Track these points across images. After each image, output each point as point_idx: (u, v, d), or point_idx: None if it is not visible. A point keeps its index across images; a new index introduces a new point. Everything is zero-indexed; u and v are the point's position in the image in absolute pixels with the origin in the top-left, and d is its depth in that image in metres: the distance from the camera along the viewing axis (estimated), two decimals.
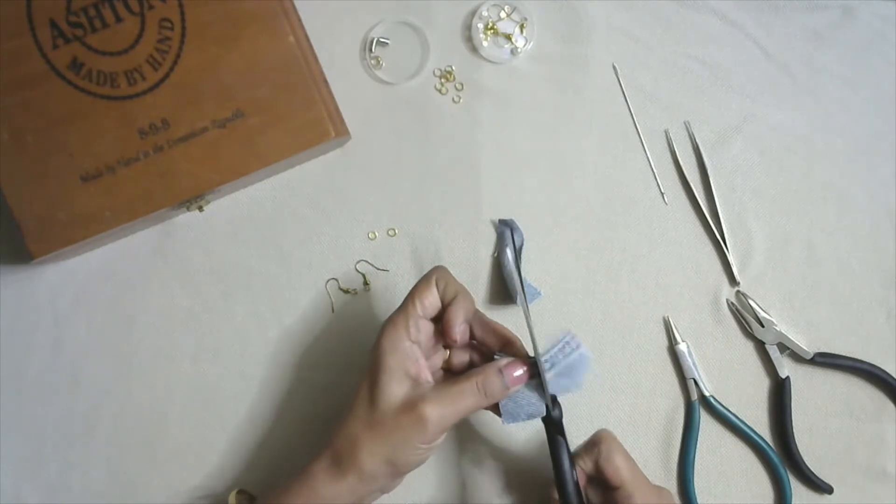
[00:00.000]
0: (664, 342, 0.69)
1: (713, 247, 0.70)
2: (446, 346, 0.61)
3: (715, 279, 0.69)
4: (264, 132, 0.64)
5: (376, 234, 0.70)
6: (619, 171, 0.70)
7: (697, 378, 0.68)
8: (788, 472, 0.67)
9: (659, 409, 0.68)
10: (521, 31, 0.71)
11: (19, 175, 0.63)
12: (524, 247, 0.69)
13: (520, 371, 0.57)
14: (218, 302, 0.70)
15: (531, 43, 0.71)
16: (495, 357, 0.58)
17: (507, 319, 0.67)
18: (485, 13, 0.71)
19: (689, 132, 0.70)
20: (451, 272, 0.60)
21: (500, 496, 0.68)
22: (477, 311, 0.60)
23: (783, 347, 0.68)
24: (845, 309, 0.69)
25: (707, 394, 0.68)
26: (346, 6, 0.70)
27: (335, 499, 0.56)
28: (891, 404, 0.69)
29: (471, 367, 0.60)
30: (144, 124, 0.64)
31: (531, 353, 0.58)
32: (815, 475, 0.67)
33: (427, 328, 0.58)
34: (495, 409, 0.58)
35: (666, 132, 0.70)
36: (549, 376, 0.57)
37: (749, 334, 0.69)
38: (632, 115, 0.70)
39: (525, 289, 0.67)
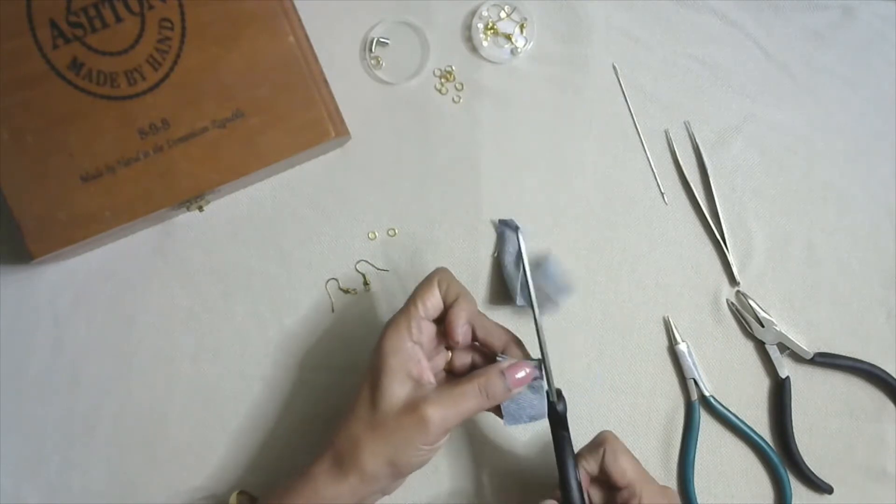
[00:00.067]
0: (664, 342, 0.69)
1: (713, 247, 0.70)
2: (448, 348, 0.61)
3: (715, 279, 0.69)
4: (264, 132, 0.64)
5: (376, 234, 0.70)
6: (619, 171, 0.70)
7: (697, 378, 0.68)
8: (788, 472, 0.67)
9: (659, 409, 0.68)
10: (521, 31, 0.71)
11: (19, 175, 0.63)
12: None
13: (522, 373, 0.57)
14: (218, 302, 0.70)
15: (531, 43, 0.71)
16: (498, 359, 0.58)
17: (508, 320, 0.68)
18: (485, 13, 0.71)
19: (689, 132, 0.70)
20: (452, 272, 0.60)
21: (503, 496, 0.68)
22: (479, 313, 0.60)
23: (783, 347, 0.68)
24: (845, 309, 0.69)
25: (707, 394, 0.68)
26: (346, 6, 0.70)
27: (336, 499, 0.56)
28: (891, 404, 0.69)
29: (472, 368, 0.60)
30: (144, 124, 0.64)
31: (534, 355, 0.58)
32: (815, 475, 0.67)
33: (429, 330, 0.58)
34: (497, 410, 0.58)
35: (666, 132, 0.71)
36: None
37: (749, 334, 0.69)
38: (632, 115, 0.70)
39: (556, 287, 0.67)
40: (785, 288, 0.69)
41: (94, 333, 0.69)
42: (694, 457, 0.67)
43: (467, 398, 0.56)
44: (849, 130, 0.70)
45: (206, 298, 0.70)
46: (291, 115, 0.64)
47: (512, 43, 0.71)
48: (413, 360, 0.57)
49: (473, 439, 0.68)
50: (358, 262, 0.70)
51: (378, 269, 0.70)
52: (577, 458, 0.58)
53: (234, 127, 0.64)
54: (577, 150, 0.70)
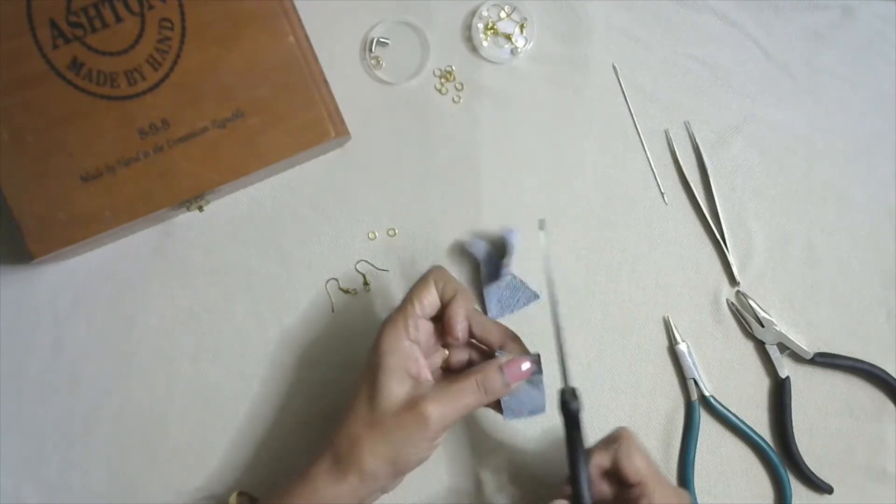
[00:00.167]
0: (664, 342, 0.69)
1: (713, 247, 0.70)
2: (445, 346, 0.61)
3: (715, 279, 0.69)
4: (264, 132, 0.64)
5: (376, 234, 0.70)
6: (619, 171, 0.70)
7: (697, 378, 0.68)
8: (788, 472, 0.67)
9: (659, 409, 0.68)
10: (521, 31, 0.71)
11: (19, 175, 0.63)
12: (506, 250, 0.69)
13: (520, 368, 0.57)
14: (218, 302, 0.70)
15: (531, 43, 0.71)
16: (497, 354, 0.58)
17: (513, 320, 0.68)
18: (485, 13, 0.71)
19: (689, 132, 0.70)
20: (447, 270, 0.60)
21: (506, 494, 0.67)
22: (476, 310, 0.60)
23: (783, 347, 0.68)
24: (845, 309, 0.69)
25: (707, 394, 0.68)
26: (346, 6, 0.70)
27: (337, 499, 0.56)
28: (891, 404, 0.69)
29: (469, 365, 0.60)
30: (144, 124, 0.64)
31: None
32: (815, 475, 0.67)
33: (426, 328, 0.59)
34: (497, 405, 0.58)
35: (666, 132, 0.70)
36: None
37: (749, 334, 0.69)
38: (632, 115, 0.70)
39: (524, 292, 0.68)
40: (785, 288, 0.69)
41: (94, 333, 0.69)
42: (694, 457, 0.67)
43: (466, 394, 0.56)
44: (849, 130, 0.70)
45: (206, 298, 0.70)
46: (291, 115, 0.64)
47: (512, 43, 0.71)
48: (411, 358, 0.57)
49: (482, 433, 0.68)
50: (358, 262, 0.70)
51: (378, 269, 0.70)
52: (590, 452, 0.57)
53: (234, 127, 0.64)
54: (577, 150, 0.70)
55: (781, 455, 0.67)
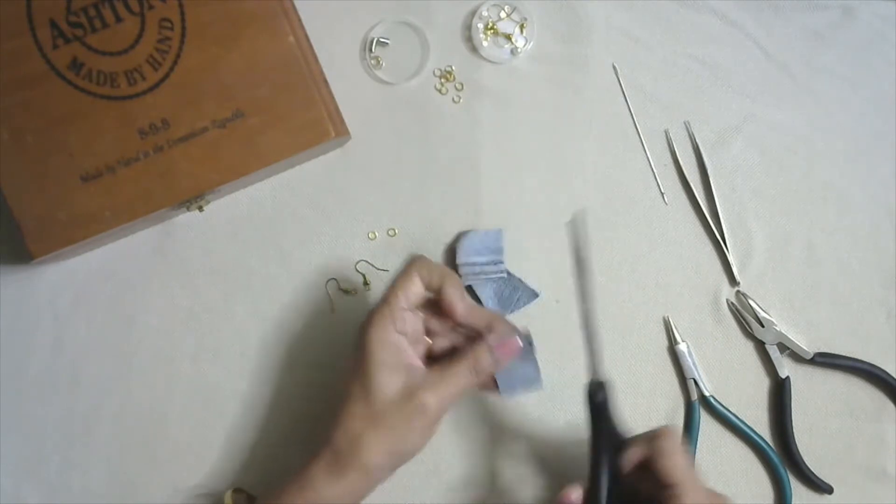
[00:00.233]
0: (664, 342, 0.69)
1: (713, 247, 0.70)
2: (429, 334, 0.61)
3: (715, 279, 0.69)
4: (264, 132, 0.64)
5: (376, 234, 0.70)
6: (619, 171, 0.70)
7: (697, 378, 0.68)
8: (788, 472, 0.67)
9: (659, 409, 0.68)
10: (521, 31, 0.71)
11: (19, 175, 0.63)
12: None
13: (510, 346, 0.58)
14: (218, 302, 0.70)
15: (531, 43, 0.71)
16: (486, 335, 0.59)
17: (521, 316, 0.68)
18: (485, 13, 0.71)
19: (689, 132, 0.70)
20: (428, 258, 0.60)
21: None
22: (463, 294, 0.60)
23: (783, 347, 0.68)
24: (845, 309, 0.69)
25: (707, 394, 0.68)
26: (346, 6, 0.70)
27: (338, 499, 0.56)
28: (891, 404, 0.69)
29: (454, 351, 0.60)
30: (144, 124, 0.64)
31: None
32: (815, 475, 0.67)
33: (412, 320, 0.59)
34: (493, 385, 0.59)
35: (666, 132, 0.70)
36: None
37: (749, 334, 0.69)
38: (632, 115, 0.70)
39: (523, 290, 0.68)
40: (785, 288, 0.69)
41: (94, 333, 0.69)
42: (694, 457, 0.67)
43: (460, 378, 0.57)
44: (849, 130, 0.70)
45: (206, 298, 0.70)
46: (291, 115, 0.64)
47: (512, 43, 0.71)
48: (401, 350, 0.57)
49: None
50: (358, 262, 0.70)
51: (378, 269, 0.70)
52: (627, 442, 0.57)
53: (234, 127, 0.64)
54: (577, 150, 0.70)
55: (781, 455, 0.67)
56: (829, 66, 0.71)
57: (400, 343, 0.57)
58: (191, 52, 0.64)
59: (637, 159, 0.70)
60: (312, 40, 0.67)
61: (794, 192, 0.70)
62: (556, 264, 0.69)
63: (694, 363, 0.68)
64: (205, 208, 0.69)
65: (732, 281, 0.69)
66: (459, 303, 0.58)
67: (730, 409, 0.68)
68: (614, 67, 0.71)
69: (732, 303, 0.69)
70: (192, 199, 0.66)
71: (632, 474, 0.57)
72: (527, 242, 0.69)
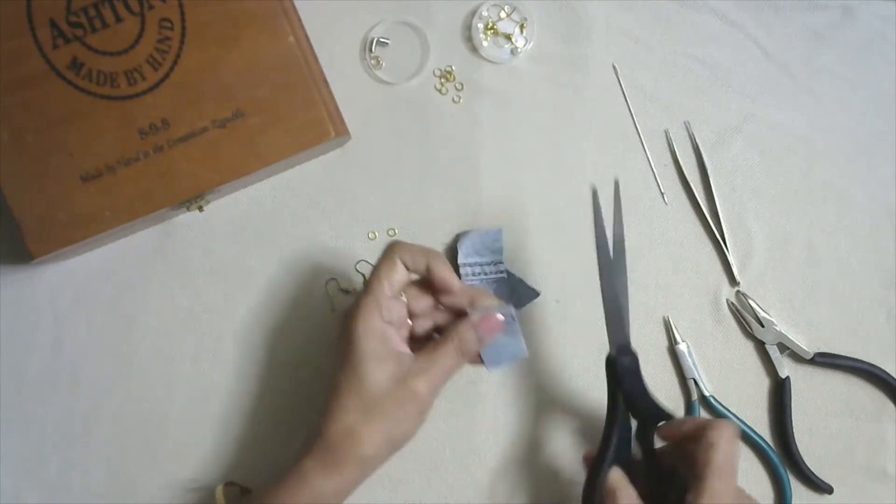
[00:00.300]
0: (664, 342, 0.69)
1: (713, 247, 0.70)
2: (412, 316, 0.61)
3: (715, 279, 0.69)
4: (264, 132, 0.64)
5: (376, 234, 0.70)
6: (619, 171, 0.70)
7: (697, 378, 0.68)
8: (788, 472, 0.67)
9: None
10: (521, 31, 0.71)
11: (19, 175, 0.63)
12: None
13: (492, 323, 0.58)
14: (218, 302, 0.70)
15: (531, 43, 0.71)
16: (469, 312, 0.59)
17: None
18: (485, 13, 0.71)
19: (689, 132, 0.70)
20: (405, 241, 0.60)
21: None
22: (451, 268, 0.60)
23: (783, 347, 0.68)
24: (845, 309, 0.69)
25: (707, 394, 0.68)
26: (346, 6, 0.70)
27: (334, 494, 0.57)
28: (891, 404, 0.69)
29: (436, 331, 0.61)
30: (144, 124, 0.64)
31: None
32: (815, 475, 0.67)
33: (397, 307, 0.59)
34: (479, 359, 0.60)
35: (666, 132, 0.71)
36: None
37: (749, 334, 0.69)
38: (632, 115, 0.70)
39: (524, 290, 0.68)
40: (785, 288, 0.69)
41: (94, 333, 0.69)
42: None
43: (447, 360, 0.57)
44: (849, 130, 0.71)
45: (206, 298, 0.70)
46: (291, 115, 0.64)
47: (512, 43, 0.71)
48: (388, 339, 0.57)
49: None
50: (358, 262, 0.70)
51: None
52: (665, 415, 0.59)
53: (234, 127, 0.64)
54: (577, 150, 0.70)
55: (781, 455, 0.67)
56: (829, 66, 0.71)
57: (387, 332, 0.57)
58: (191, 52, 0.64)
59: (637, 159, 0.70)
60: (312, 40, 0.67)
61: (794, 192, 0.70)
62: (555, 264, 0.69)
63: (694, 363, 0.68)
64: (205, 208, 0.69)
65: (732, 281, 0.69)
66: (453, 278, 0.59)
67: (730, 409, 0.68)
68: (614, 67, 0.71)
69: (732, 303, 0.69)
70: (192, 199, 0.66)
71: (670, 449, 0.59)
72: (527, 242, 0.69)
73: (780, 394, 0.68)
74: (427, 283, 0.60)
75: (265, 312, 0.69)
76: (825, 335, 0.69)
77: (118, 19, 0.64)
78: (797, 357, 0.68)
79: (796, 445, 0.67)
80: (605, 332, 0.68)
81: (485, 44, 0.70)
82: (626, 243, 0.69)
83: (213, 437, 0.69)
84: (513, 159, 0.70)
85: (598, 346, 0.68)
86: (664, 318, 0.69)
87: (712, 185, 0.69)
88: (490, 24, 0.71)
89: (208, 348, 0.69)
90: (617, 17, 0.71)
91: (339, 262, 0.70)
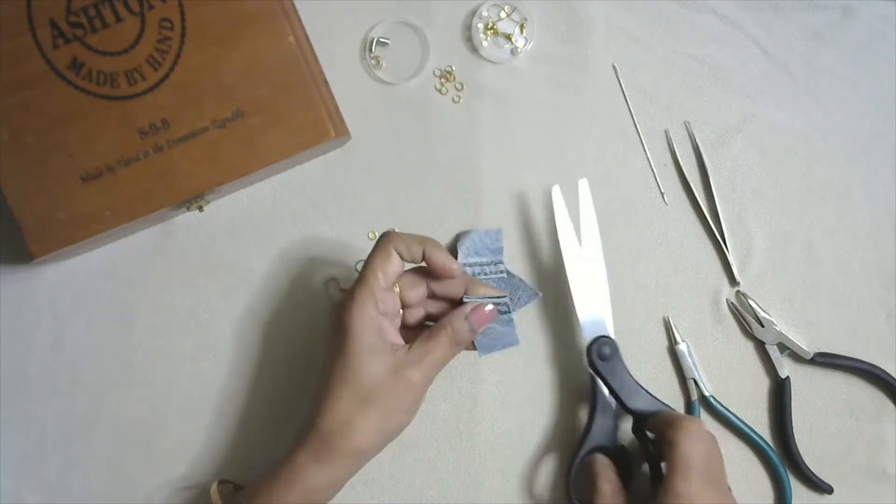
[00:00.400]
0: (664, 342, 0.69)
1: (713, 247, 0.70)
2: (406, 305, 0.61)
3: (715, 279, 0.69)
4: (264, 132, 0.64)
5: (376, 233, 0.70)
6: (619, 171, 0.70)
7: (697, 378, 0.68)
8: (788, 472, 0.67)
9: None
10: (521, 31, 0.71)
11: (19, 175, 0.63)
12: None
13: (484, 312, 0.59)
14: (218, 302, 0.70)
15: (531, 43, 0.71)
16: (463, 300, 0.60)
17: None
18: (485, 13, 0.71)
19: (689, 132, 0.70)
20: (398, 231, 0.60)
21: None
22: (447, 252, 0.61)
23: (783, 347, 0.68)
24: (845, 309, 0.69)
25: (707, 394, 0.68)
26: (346, 6, 0.70)
27: (328, 486, 0.57)
28: (891, 404, 0.69)
29: (428, 319, 0.62)
30: (144, 124, 0.64)
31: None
32: (815, 475, 0.67)
33: (391, 299, 0.59)
34: (472, 345, 0.61)
35: (666, 132, 0.71)
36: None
37: (749, 334, 0.69)
38: (632, 115, 0.70)
39: (524, 290, 0.68)
40: (785, 288, 0.69)
41: (94, 333, 0.69)
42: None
43: (440, 349, 0.58)
44: (849, 130, 0.70)
45: (206, 298, 0.70)
46: (291, 115, 0.64)
47: (512, 43, 0.71)
48: (383, 330, 0.58)
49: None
50: (358, 262, 0.70)
51: None
52: (662, 415, 0.62)
53: (234, 127, 0.64)
54: (577, 150, 0.70)
55: (781, 455, 0.67)
56: (829, 66, 0.71)
57: (381, 324, 0.58)
58: (191, 52, 0.64)
59: (637, 159, 0.70)
60: (312, 40, 0.67)
61: (794, 192, 0.70)
62: (555, 264, 0.69)
63: (694, 363, 0.68)
64: (205, 208, 0.69)
65: (732, 281, 0.69)
66: (452, 261, 0.59)
67: (730, 409, 0.68)
68: (614, 67, 0.71)
69: (732, 303, 0.69)
70: (192, 199, 0.66)
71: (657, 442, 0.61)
72: (527, 242, 0.69)
73: (780, 394, 0.68)
74: (420, 272, 0.61)
75: (265, 312, 0.69)
76: (825, 335, 0.69)
77: (118, 19, 0.64)
78: (797, 357, 0.68)
79: (796, 445, 0.67)
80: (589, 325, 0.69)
81: (485, 44, 0.70)
82: (627, 243, 0.70)
83: (213, 437, 0.69)
84: (513, 159, 0.70)
85: None
86: (664, 318, 0.69)
87: (712, 185, 0.69)
88: (490, 24, 0.71)
89: (208, 348, 0.69)
90: (617, 17, 0.71)
91: (339, 262, 0.70)
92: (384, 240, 0.59)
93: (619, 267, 0.69)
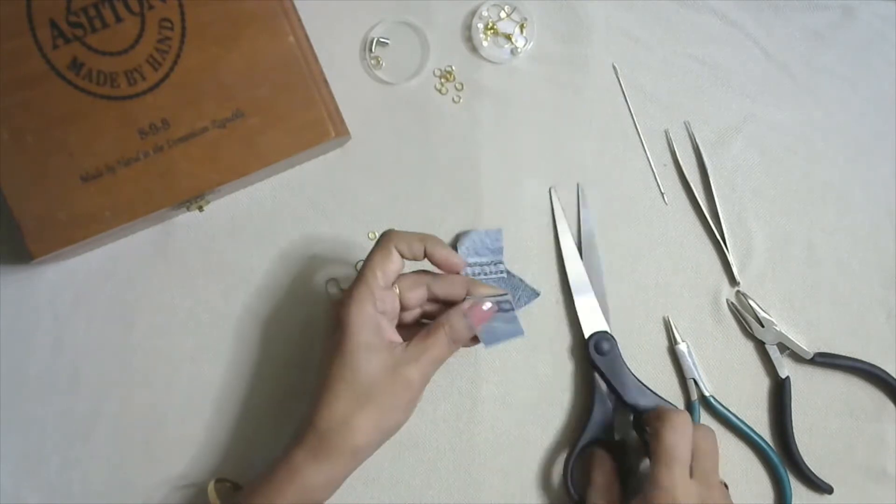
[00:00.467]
0: (664, 342, 0.69)
1: (713, 247, 0.70)
2: (403, 310, 0.61)
3: (715, 279, 0.69)
4: (264, 132, 0.64)
5: (376, 233, 0.70)
6: (619, 171, 0.70)
7: (697, 378, 0.68)
8: (788, 472, 0.67)
9: None
10: (521, 31, 0.71)
11: (19, 175, 0.63)
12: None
13: (482, 310, 0.59)
14: (218, 302, 0.70)
15: (531, 43, 0.71)
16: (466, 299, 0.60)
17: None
18: (485, 13, 0.71)
19: (689, 132, 0.70)
20: (398, 229, 0.60)
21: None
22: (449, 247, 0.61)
23: (783, 347, 0.68)
24: (845, 309, 0.69)
25: (707, 394, 0.68)
26: (346, 6, 0.70)
27: (326, 483, 0.57)
28: (891, 404, 0.69)
29: (424, 317, 0.62)
30: (144, 124, 0.64)
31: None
32: (815, 475, 0.67)
33: (389, 297, 0.59)
34: (475, 340, 0.61)
35: (666, 132, 0.71)
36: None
37: (749, 334, 0.69)
38: (632, 115, 0.70)
39: (524, 290, 0.68)
40: (785, 288, 0.69)
41: (94, 333, 0.69)
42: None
43: (439, 347, 0.58)
44: (849, 130, 0.70)
45: (206, 298, 0.70)
46: (291, 115, 0.64)
47: (512, 43, 0.71)
48: (381, 328, 0.58)
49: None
50: (358, 262, 0.70)
51: None
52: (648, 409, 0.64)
53: (234, 127, 0.64)
54: (577, 150, 0.70)
55: (781, 455, 0.67)
56: (829, 66, 0.71)
57: (380, 322, 0.58)
58: (191, 52, 0.64)
59: (637, 159, 0.70)
60: (312, 40, 0.67)
61: (794, 192, 0.70)
62: (555, 264, 0.69)
63: (694, 363, 0.68)
64: (205, 208, 0.69)
65: (732, 281, 0.69)
66: (454, 256, 0.60)
67: (730, 409, 0.68)
68: (614, 67, 0.71)
69: (732, 303, 0.69)
70: (192, 199, 0.66)
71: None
72: (527, 242, 0.69)
73: (780, 394, 0.68)
74: (421, 274, 0.61)
75: (265, 312, 0.69)
76: (825, 335, 0.69)
77: (118, 19, 0.64)
78: (797, 357, 0.68)
79: (796, 445, 0.67)
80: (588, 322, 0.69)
81: (485, 44, 0.70)
82: (627, 243, 0.70)
83: (213, 436, 0.69)
84: (513, 159, 0.70)
85: None
86: (664, 318, 0.69)
87: (712, 185, 0.69)
88: (490, 24, 0.71)
89: (208, 348, 0.69)
90: (617, 17, 0.71)
91: (339, 262, 0.70)
92: (384, 238, 0.59)
93: (619, 267, 0.69)
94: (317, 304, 0.69)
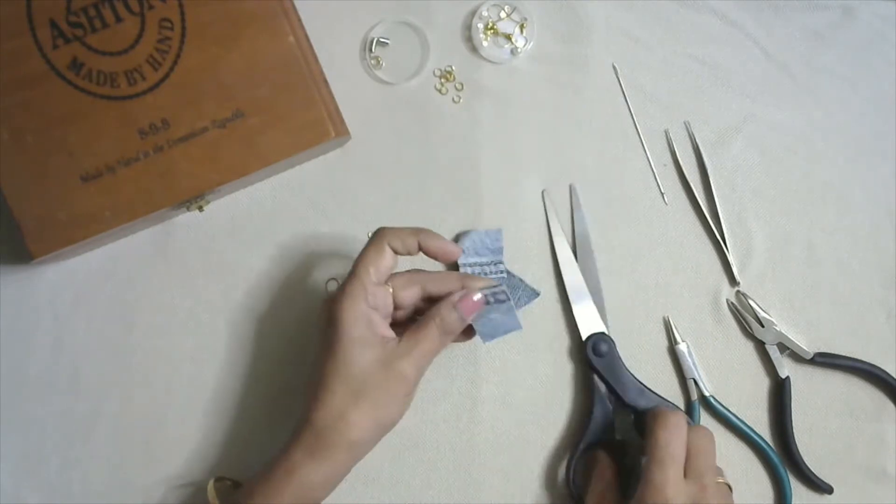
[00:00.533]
0: (664, 342, 0.69)
1: (713, 247, 0.70)
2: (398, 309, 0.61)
3: (715, 279, 0.69)
4: (264, 132, 0.64)
5: None
6: (619, 171, 0.70)
7: (697, 378, 0.68)
8: (788, 472, 0.67)
9: None
10: (521, 31, 0.71)
11: (19, 175, 0.63)
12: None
13: (472, 301, 0.59)
14: (218, 302, 0.70)
15: (531, 43, 0.71)
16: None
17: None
18: (485, 13, 0.71)
19: (689, 132, 0.70)
20: (391, 226, 0.60)
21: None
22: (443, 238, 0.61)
23: (783, 347, 0.68)
24: (845, 309, 0.69)
25: (707, 394, 0.68)
26: (346, 6, 0.71)
27: (325, 480, 0.57)
28: (891, 404, 0.69)
29: (416, 313, 0.62)
30: (144, 124, 0.64)
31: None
32: (815, 475, 0.67)
33: (382, 293, 0.59)
34: (470, 334, 0.61)
35: (666, 132, 0.71)
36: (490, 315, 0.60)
37: (749, 334, 0.69)
38: (632, 115, 0.70)
39: (524, 290, 0.68)
40: (785, 288, 0.69)
41: (94, 333, 0.69)
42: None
43: (430, 340, 0.58)
44: (849, 130, 0.70)
45: (206, 298, 0.70)
46: (291, 115, 0.64)
47: (512, 43, 0.71)
48: (374, 324, 0.58)
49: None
50: None
51: None
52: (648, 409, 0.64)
53: (234, 127, 0.64)
54: (577, 150, 0.70)
55: (781, 455, 0.67)
56: (829, 66, 0.71)
57: (372, 317, 0.58)
58: (191, 52, 0.64)
59: (637, 159, 0.70)
60: (312, 40, 0.67)
61: (794, 192, 0.70)
62: (555, 263, 0.69)
63: (694, 363, 0.68)
64: (205, 208, 0.69)
65: (732, 281, 0.69)
66: (449, 245, 0.60)
67: (730, 409, 0.68)
68: (614, 67, 0.71)
69: (732, 303, 0.69)
70: (192, 199, 0.66)
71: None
72: (527, 242, 0.69)
73: (780, 394, 0.68)
74: (415, 273, 0.61)
75: (265, 312, 0.69)
76: (825, 335, 0.69)
77: (118, 19, 0.64)
78: (797, 357, 0.68)
79: (796, 445, 0.67)
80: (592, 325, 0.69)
81: (485, 44, 0.70)
82: (626, 243, 0.70)
83: (213, 436, 0.69)
84: (513, 159, 0.70)
85: None
86: (664, 318, 0.69)
87: (712, 185, 0.69)
88: (490, 24, 0.71)
89: (208, 348, 0.69)
90: (617, 17, 0.71)
91: (339, 262, 0.70)
92: (377, 235, 0.59)
93: (618, 267, 0.69)
94: (317, 303, 0.69)
